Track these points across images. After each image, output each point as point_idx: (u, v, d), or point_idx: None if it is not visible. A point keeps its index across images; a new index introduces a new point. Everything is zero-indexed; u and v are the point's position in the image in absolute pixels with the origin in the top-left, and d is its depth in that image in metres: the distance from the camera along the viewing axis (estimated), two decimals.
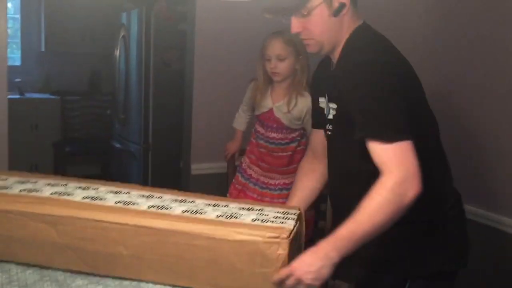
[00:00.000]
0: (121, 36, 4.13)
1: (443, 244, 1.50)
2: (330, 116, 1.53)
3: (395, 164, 1.28)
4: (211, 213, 1.47)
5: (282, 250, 1.33)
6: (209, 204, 1.54)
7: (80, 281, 1.41)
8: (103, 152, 4.86)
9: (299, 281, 1.28)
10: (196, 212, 1.46)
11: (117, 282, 1.44)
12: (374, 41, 1.45)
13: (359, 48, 1.42)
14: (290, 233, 1.36)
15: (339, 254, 1.28)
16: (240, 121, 2.67)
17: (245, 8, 2.75)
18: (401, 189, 1.27)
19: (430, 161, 1.41)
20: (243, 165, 2.57)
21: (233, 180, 2.59)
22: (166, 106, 3.82)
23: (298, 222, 1.48)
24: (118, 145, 4.35)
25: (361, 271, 1.56)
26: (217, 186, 2.42)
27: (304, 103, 2.33)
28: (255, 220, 1.42)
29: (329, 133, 1.57)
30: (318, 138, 1.71)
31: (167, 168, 3.71)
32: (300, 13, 1.43)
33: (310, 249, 1.34)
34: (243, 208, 1.53)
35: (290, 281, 1.29)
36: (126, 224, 1.39)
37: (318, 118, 1.66)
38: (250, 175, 2.53)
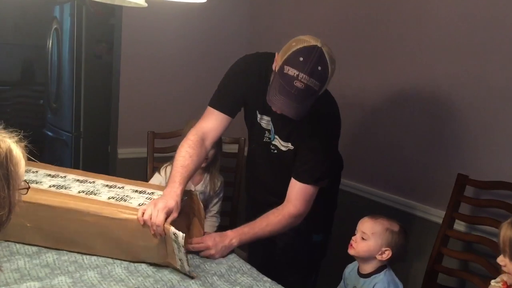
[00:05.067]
0: (53, 28, 4.24)
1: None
2: (283, 149, 1.91)
3: (300, 201, 1.84)
4: (105, 194, 1.68)
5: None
6: (106, 185, 1.75)
7: None
8: (36, 141, 4.93)
9: (210, 255, 1.76)
10: (91, 193, 1.67)
11: (19, 245, 1.66)
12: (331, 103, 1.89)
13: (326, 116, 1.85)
14: None
15: (240, 243, 1.84)
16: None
17: (170, 7, 2.93)
18: (294, 220, 1.87)
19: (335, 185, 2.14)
20: None
21: None
22: (96, 97, 3.98)
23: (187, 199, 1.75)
24: (50, 134, 4.46)
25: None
26: (141, 169, 2.63)
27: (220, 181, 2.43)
28: (141, 204, 1.65)
29: (275, 151, 1.94)
30: (222, 127, 1.92)
31: (97, 153, 3.87)
32: None
33: (221, 233, 1.81)
34: (136, 191, 1.75)
35: (204, 253, 1.76)
36: (28, 202, 1.59)
37: (248, 118, 1.99)
38: None
